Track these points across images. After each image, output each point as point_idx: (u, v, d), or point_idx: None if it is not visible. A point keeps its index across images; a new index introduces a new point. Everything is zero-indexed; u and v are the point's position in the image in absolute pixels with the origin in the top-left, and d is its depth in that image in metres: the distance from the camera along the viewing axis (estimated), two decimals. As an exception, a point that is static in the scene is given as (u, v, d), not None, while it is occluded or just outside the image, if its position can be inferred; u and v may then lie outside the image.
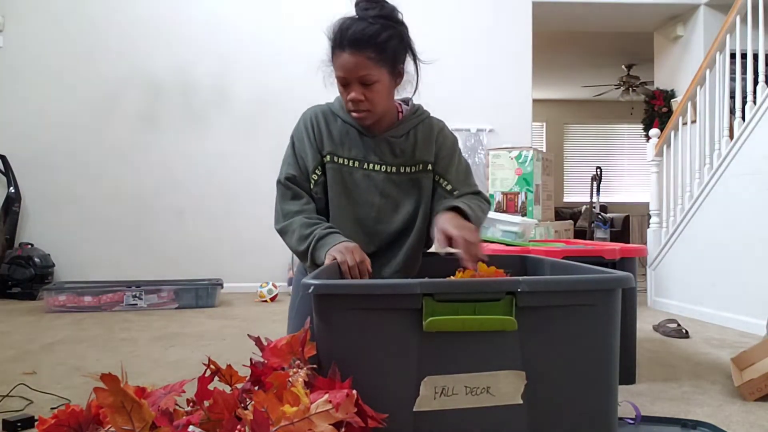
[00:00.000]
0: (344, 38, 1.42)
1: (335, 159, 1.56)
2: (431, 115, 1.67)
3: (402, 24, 1.50)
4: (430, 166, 1.60)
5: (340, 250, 1.36)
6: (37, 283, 4.52)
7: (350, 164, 1.56)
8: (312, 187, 1.57)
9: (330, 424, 0.87)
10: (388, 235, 1.59)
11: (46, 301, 4.01)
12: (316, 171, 1.56)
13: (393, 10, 1.49)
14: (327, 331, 1.00)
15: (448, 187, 1.60)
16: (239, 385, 1.03)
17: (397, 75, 1.51)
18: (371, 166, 1.56)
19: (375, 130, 1.57)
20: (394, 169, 1.58)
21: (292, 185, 1.56)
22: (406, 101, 1.65)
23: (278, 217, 1.56)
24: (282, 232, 1.54)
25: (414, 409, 0.97)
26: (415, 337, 0.97)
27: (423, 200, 1.60)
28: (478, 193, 1.63)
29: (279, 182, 1.59)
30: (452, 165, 1.62)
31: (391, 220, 1.59)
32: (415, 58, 1.54)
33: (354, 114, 1.50)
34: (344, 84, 1.47)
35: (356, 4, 1.47)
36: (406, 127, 1.59)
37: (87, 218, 4.95)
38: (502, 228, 2.61)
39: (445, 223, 1.35)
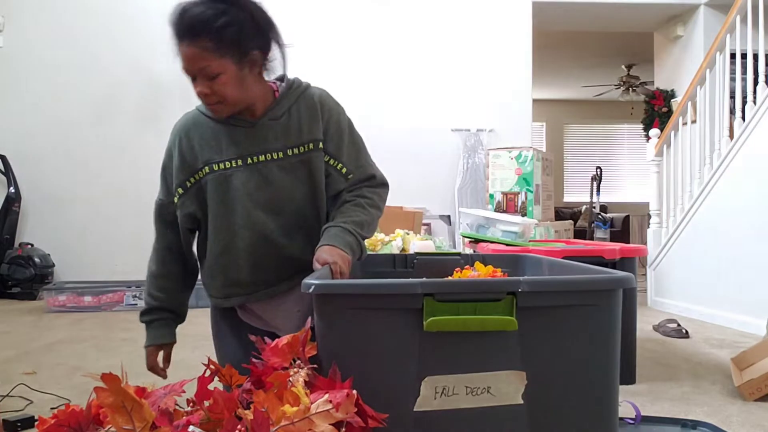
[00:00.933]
0: (181, 26, 1.29)
1: (214, 167, 1.42)
2: (312, 85, 1.51)
3: (245, 6, 1.32)
4: (321, 144, 1.45)
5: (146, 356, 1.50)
6: (37, 283, 4.52)
7: (233, 165, 1.41)
8: (178, 210, 1.46)
9: (330, 424, 0.87)
10: (288, 227, 1.46)
11: (46, 301, 4.01)
12: (178, 190, 1.45)
13: None
14: (327, 331, 1.00)
15: (343, 170, 1.47)
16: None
17: (248, 62, 1.34)
18: (255, 158, 1.41)
19: (250, 118, 1.42)
20: (281, 154, 1.42)
21: (157, 213, 1.50)
22: (282, 78, 1.48)
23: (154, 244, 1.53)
24: None
25: (414, 409, 0.97)
26: (415, 337, 0.97)
27: (316, 181, 1.46)
28: (372, 177, 1.51)
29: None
30: (343, 144, 1.48)
31: (289, 211, 1.45)
32: (278, 41, 1.39)
33: (208, 107, 1.38)
34: (191, 77, 1.34)
35: None
36: (285, 105, 1.44)
37: (87, 218, 4.95)
38: (502, 228, 2.61)
39: (322, 253, 1.32)
